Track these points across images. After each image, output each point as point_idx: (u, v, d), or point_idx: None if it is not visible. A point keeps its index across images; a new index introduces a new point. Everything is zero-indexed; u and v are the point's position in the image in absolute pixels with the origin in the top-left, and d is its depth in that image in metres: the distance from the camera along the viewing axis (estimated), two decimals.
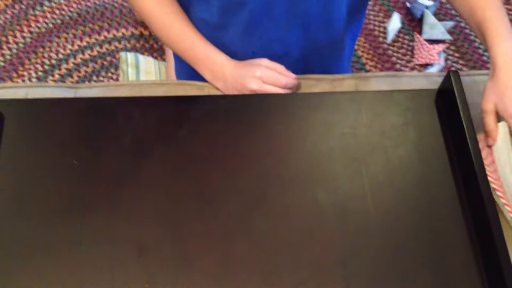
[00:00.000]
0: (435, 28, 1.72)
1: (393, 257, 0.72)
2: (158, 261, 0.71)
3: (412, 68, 1.69)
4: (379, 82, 0.92)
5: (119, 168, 0.78)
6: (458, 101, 0.79)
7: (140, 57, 1.72)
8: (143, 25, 1.84)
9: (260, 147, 0.81)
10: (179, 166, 0.78)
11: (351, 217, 0.75)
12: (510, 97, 0.76)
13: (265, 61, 0.88)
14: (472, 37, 1.77)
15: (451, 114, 0.81)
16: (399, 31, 1.75)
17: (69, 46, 1.80)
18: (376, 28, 1.75)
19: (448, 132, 0.82)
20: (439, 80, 0.87)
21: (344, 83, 0.92)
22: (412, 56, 1.70)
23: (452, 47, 1.73)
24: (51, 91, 0.89)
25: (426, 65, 1.71)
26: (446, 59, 1.72)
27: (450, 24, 1.75)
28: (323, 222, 0.74)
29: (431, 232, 0.74)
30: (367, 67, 1.71)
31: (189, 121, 0.83)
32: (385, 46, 1.72)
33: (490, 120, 0.79)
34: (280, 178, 0.78)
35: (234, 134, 0.82)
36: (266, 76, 0.86)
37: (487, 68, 1.70)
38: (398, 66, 1.71)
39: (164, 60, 1.77)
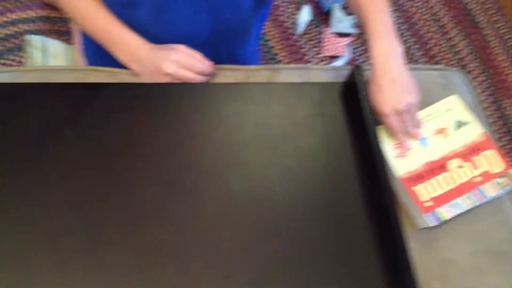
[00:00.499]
0: (342, 22, 1.79)
1: (300, 242, 0.76)
2: (70, 249, 0.71)
3: (321, 60, 1.76)
4: (291, 74, 0.96)
5: (28, 157, 0.77)
6: (359, 94, 0.84)
7: (48, 40, 1.65)
8: (50, 6, 1.77)
9: (173, 135, 0.82)
10: (91, 154, 0.78)
11: (262, 203, 0.78)
12: (381, 97, 0.82)
13: (182, 47, 0.89)
14: None
15: (355, 106, 0.86)
16: (309, 24, 1.81)
17: None
18: (287, 19, 1.80)
19: (352, 123, 0.87)
20: (346, 73, 0.93)
21: (258, 74, 0.95)
22: (320, 48, 1.77)
23: (358, 41, 1.82)
24: None
25: (333, 57, 1.78)
26: (353, 52, 1.80)
27: (356, 18, 1.83)
28: (235, 208, 0.77)
29: (335, 220, 0.79)
30: (278, 57, 1.76)
31: (101, 109, 0.82)
32: (295, 37, 1.77)
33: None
34: (194, 166, 0.79)
35: (146, 122, 0.82)
36: (182, 60, 0.87)
37: None
38: (307, 57, 1.77)
39: (72, 44, 1.72)
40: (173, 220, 0.75)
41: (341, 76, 0.95)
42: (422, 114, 0.89)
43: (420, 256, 0.82)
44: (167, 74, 0.87)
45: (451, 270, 0.82)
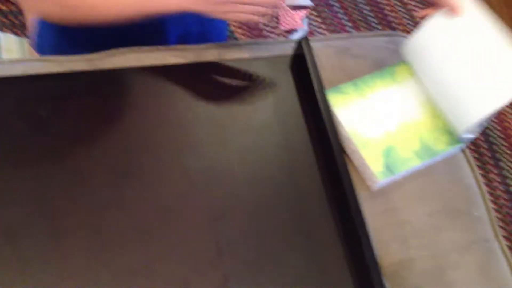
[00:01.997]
0: None
1: (258, 217, 0.77)
2: (27, 240, 0.70)
3: (278, 35, 1.76)
4: (241, 50, 0.96)
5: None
6: (308, 64, 0.85)
7: (0, 34, 1.62)
8: (1, 0, 1.73)
9: (126, 120, 0.82)
10: (43, 144, 0.78)
11: (219, 181, 0.79)
12: None
13: None
14: (331, 2, 1.87)
15: (304, 77, 0.87)
16: None
17: None
18: None
19: (303, 94, 0.88)
20: (291, 46, 0.93)
21: (208, 53, 0.95)
22: (277, 23, 1.77)
23: (315, 12, 1.82)
24: None
25: (291, 31, 1.78)
26: (310, 24, 1.81)
27: None
28: (192, 188, 0.78)
29: (293, 190, 0.80)
30: (236, 35, 1.75)
31: (50, 99, 0.81)
32: None
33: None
34: (147, 148, 0.80)
35: (97, 109, 0.82)
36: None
37: (346, 31, 1.81)
38: (265, 33, 1.77)
39: (27, 37, 1.68)
40: (130, 203, 0.75)
41: (292, 49, 0.95)
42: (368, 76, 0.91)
43: (377, 220, 0.84)
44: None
45: (408, 231, 0.84)
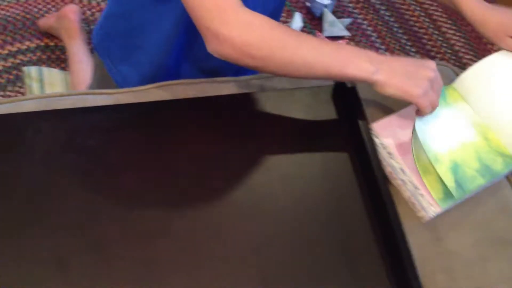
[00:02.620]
0: (334, 25, 1.81)
1: (302, 245, 0.77)
2: (78, 269, 0.72)
3: None
4: (282, 81, 0.98)
5: (32, 184, 0.78)
6: (351, 94, 0.86)
7: (44, 69, 1.69)
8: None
9: (176, 150, 0.84)
10: (93, 175, 0.80)
11: (264, 210, 0.79)
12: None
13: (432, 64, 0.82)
14: (368, 32, 1.88)
15: (347, 108, 0.88)
16: (302, 30, 1.83)
17: None
18: None
19: (346, 125, 0.89)
20: None
21: (250, 83, 0.97)
22: None
23: (352, 43, 1.84)
24: None
25: None
26: None
27: (348, 21, 1.85)
28: (239, 217, 0.78)
29: (335, 220, 0.80)
30: None
31: (99, 131, 0.84)
32: None
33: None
34: (196, 178, 0.81)
35: (146, 140, 0.84)
36: (437, 81, 0.83)
37: None
38: None
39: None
40: (179, 233, 0.76)
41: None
42: None
43: (423, 250, 0.83)
44: (429, 79, 0.79)
45: (455, 262, 0.83)
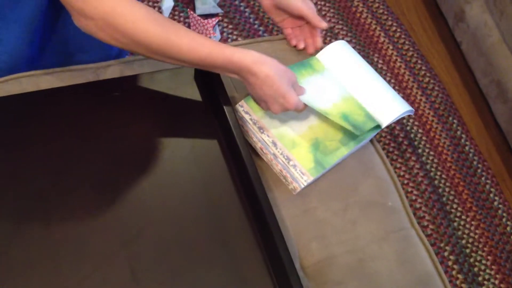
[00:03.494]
0: (206, 3, 1.78)
1: (172, 236, 0.75)
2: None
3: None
4: (143, 65, 0.94)
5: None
6: (214, 78, 0.84)
7: None
8: None
9: (32, 147, 0.78)
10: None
11: (129, 201, 0.76)
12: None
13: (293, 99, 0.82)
14: (242, 8, 1.87)
15: (210, 86, 0.86)
16: (174, 9, 1.79)
17: None
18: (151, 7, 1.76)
19: (210, 103, 0.87)
20: None
21: (109, 70, 0.92)
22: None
23: (226, 19, 1.82)
24: None
25: None
26: (222, 32, 1.80)
27: None
28: (105, 212, 0.75)
29: (207, 204, 0.79)
30: None
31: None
32: None
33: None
34: (51, 175, 0.76)
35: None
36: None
37: (259, 36, 1.82)
38: None
39: None
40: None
41: None
42: None
43: (297, 222, 0.84)
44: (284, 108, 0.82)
45: (326, 229, 0.85)
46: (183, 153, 0.82)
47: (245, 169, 0.78)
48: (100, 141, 0.81)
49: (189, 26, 1.78)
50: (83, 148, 0.79)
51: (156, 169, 0.80)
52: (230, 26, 1.83)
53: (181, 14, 1.80)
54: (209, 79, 0.85)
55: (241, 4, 1.88)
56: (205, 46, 0.76)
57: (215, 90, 0.84)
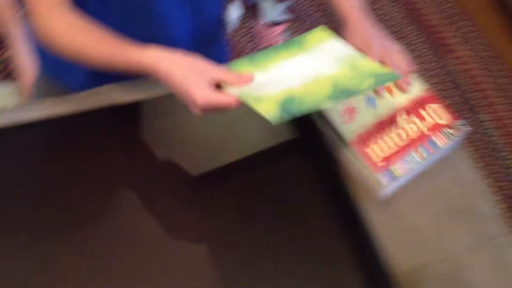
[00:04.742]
0: (272, 11, 1.79)
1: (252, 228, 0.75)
2: None
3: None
4: None
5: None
6: None
7: None
8: None
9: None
10: (31, 197, 0.75)
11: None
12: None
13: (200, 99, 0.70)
14: (311, 12, 1.86)
15: None
16: (243, 18, 1.80)
17: None
18: None
19: None
20: None
21: None
22: (257, 41, 1.76)
23: (295, 24, 1.82)
24: None
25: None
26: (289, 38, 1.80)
27: (288, 3, 1.83)
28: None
29: (289, 203, 0.78)
30: None
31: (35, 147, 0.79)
32: (230, 34, 1.76)
33: None
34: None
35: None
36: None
37: None
38: (246, 51, 1.76)
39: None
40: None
41: None
42: None
43: (386, 228, 0.82)
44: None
45: (417, 236, 0.82)
46: (260, 159, 0.82)
47: (332, 171, 0.76)
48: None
49: (255, 35, 1.78)
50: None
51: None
52: (300, 31, 1.82)
53: (248, 23, 1.81)
54: None
55: (310, 7, 1.87)
56: (108, 49, 0.74)
57: None
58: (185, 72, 0.69)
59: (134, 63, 0.72)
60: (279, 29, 1.75)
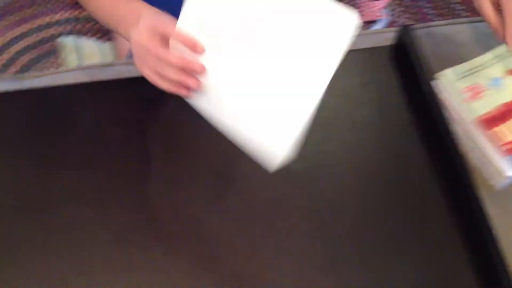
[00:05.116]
0: None
1: (368, 217, 0.72)
2: (136, 247, 0.69)
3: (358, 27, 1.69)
4: None
5: (80, 159, 0.75)
6: (411, 56, 0.79)
7: (81, 40, 1.65)
8: (78, 7, 1.76)
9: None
10: (142, 150, 0.76)
11: (321, 182, 0.74)
12: None
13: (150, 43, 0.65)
14: None
15: (408, 69, 0.81)
16: None
17: (8, 33, 1.72)
18: None
19: (407, 87, 0.82)
20: (391, 36, 0.87)
21: None
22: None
23: (396, 1, 1.75)
24: None
25: (371, 23, 1.72)
26: (391, 14, 1.73)
27: None
28: (295, 189, 0.73)
29: (402, 190, 0.74)
30: None
31: (146, 103, 0.80)
32: None
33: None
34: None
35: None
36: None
37: (430, 20, 1.72)
38: None
39: (108, 40, 1.71)
40: (234, 211, 0.72)
41: (387, 40, 0.89)
42: (489, 55, 0.83)
43: (503, 221, 0.76)
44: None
45: None
46: (377, 136, 0.78)
47: (449, 156, 0.72)
48: None
49: (355, 8, 1.73)
50: None
51: (349, 150, 0.77)
52: (400, 9, 1.75)
53: None
54: (407, 58, 0.80)
55: None
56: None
57: (413, 70, 0.79)
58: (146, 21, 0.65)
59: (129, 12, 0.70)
60: (380, 4, 1.69)
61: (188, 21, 0.63)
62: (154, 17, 0.67)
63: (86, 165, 0.75)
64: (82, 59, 1.62)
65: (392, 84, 0.83)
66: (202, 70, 0.63)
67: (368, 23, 1.71)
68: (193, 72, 0.64)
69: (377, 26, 1.70)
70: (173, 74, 0.63)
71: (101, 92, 0.81)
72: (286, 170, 0.74)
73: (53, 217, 0.71)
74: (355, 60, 0.84)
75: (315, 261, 0.69)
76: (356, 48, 0.87)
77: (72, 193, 0.73)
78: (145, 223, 0.70)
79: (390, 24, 1.71)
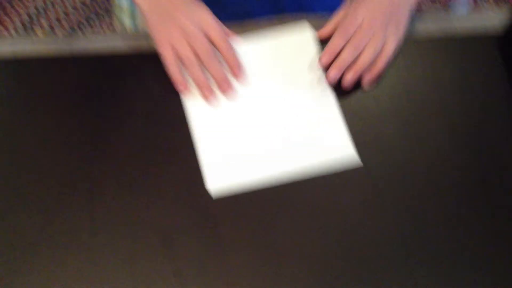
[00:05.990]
0: None
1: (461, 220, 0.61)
2: (184, 249, 0.60)
3: (433, 2, 1.56)
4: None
5: (134, 138, 0.66)
6: None
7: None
8: None
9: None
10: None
11: (413, 183, 0.63)
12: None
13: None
14: None
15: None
16: None
17: None
18: None
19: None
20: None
21: None
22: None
23: None
24: (42, 45, 0.76)
25: (449, 3, 1.58)
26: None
27: None
28: (378, 192, 0.63)
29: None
30: None
31: None
32: None
33: None
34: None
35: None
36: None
37: None
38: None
39: None
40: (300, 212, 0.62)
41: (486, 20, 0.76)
42: None
43: None
44: (183, 28, 0.68)
45: None
46: (477, 148, 0.67)
47: None
48: (377, 110, 0.68)
49: None
50: None
51: (446, 158, 0.66)
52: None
53: None
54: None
55: None
56: None
57: None
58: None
59: None
60: None
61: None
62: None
63: (134, 147, 0.67)
64: (137, 23, 1.55)
65: (498, 77, 0.70)
66: (231, 92, 0.68)
67: (445, 5, 1.57)
68: (222, 89, 0.68)
69: (460, 9, 1.56)
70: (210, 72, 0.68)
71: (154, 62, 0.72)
72: (368, 171, 0.64)
73: (91, 208, 0.63)
74: (456, 47, 0.72)
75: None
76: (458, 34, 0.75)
77: (113, 181, 0.65)
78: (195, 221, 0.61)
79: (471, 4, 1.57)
